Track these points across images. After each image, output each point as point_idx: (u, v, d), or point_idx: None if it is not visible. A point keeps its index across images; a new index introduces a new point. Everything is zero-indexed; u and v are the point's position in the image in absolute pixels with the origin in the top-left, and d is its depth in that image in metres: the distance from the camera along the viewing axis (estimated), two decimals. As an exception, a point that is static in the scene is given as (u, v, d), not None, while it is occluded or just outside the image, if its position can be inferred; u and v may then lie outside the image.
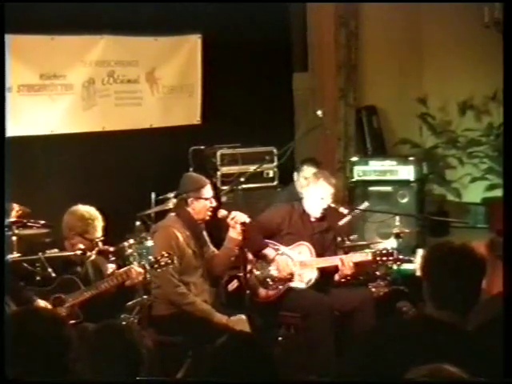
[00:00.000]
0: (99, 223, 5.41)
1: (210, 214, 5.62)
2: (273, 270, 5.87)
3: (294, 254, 5.89)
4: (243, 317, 5.35)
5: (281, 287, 5.85)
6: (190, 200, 5.56)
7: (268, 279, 5.87)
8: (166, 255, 5.18)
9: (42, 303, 4.96)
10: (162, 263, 5.18)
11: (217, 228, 6.08)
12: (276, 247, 5.92)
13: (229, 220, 5.54)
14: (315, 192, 5.96)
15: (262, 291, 5.86)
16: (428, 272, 3.04)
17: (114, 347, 3.10)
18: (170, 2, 7.34)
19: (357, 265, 5.86)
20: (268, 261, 5.88)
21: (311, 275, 5.85)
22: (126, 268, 5.30)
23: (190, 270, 5.51)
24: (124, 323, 4.71)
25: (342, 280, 5.84)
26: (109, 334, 3.17)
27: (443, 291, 2.96)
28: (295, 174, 6.99)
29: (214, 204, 5.65)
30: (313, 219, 6.02)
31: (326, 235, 6.04)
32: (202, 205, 5.58)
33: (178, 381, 4.94)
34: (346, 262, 5.73)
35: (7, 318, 3.37)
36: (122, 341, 3.12)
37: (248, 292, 5.48)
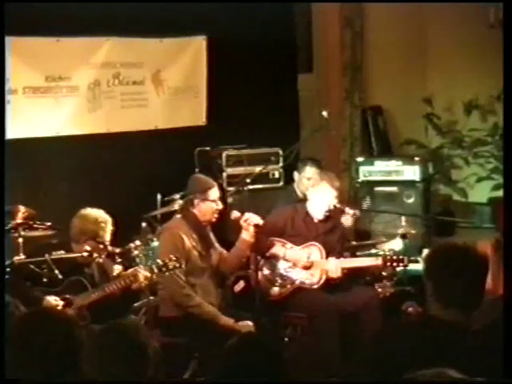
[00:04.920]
0: (110, 226, 5.41)
1: (216, 216, 5.59)
2: (284, 267, 5.85)
3: (304, 254, 5.88)
4: (250, 323, 5.32)
5: (289, 286, 5.84)
6: (195, 201, 5.52)
7: (277, 277, 5.86)
8: (174, 259, 5.17)
9: (51, 300, 4.97)
10: (170, 267, 5.16)
11: (223, 229, 6.08)
12: (286, 245, 5.90)
13: (242, 222, 5.52)
14: (318, 194, 5.95)
15: (271, 290, 5.84)
16: (432, 272, 3.06)
17: (120, 347, 3.10)
18: (174, 3, 7.33)
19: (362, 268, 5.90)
20: (278, 259, 5.87)
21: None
22: (132, 270, 5.31)
23: (196, 271, 5.49)
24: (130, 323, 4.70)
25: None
26: (115, 334, 3.17)
27: (447, 291, 2.98)
28: (295, 174, 6.97)
29: (221, 206, 5.60)
30: (316, 220, 6.02)
31: (330, 236, 6.02)
32: (208, 207, 5.54)
33: (179, 381, 4.93)
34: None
35: (17, 319, 3.38)
36: (128, 340, 3.12)
37: (257, 292, 5.48)
